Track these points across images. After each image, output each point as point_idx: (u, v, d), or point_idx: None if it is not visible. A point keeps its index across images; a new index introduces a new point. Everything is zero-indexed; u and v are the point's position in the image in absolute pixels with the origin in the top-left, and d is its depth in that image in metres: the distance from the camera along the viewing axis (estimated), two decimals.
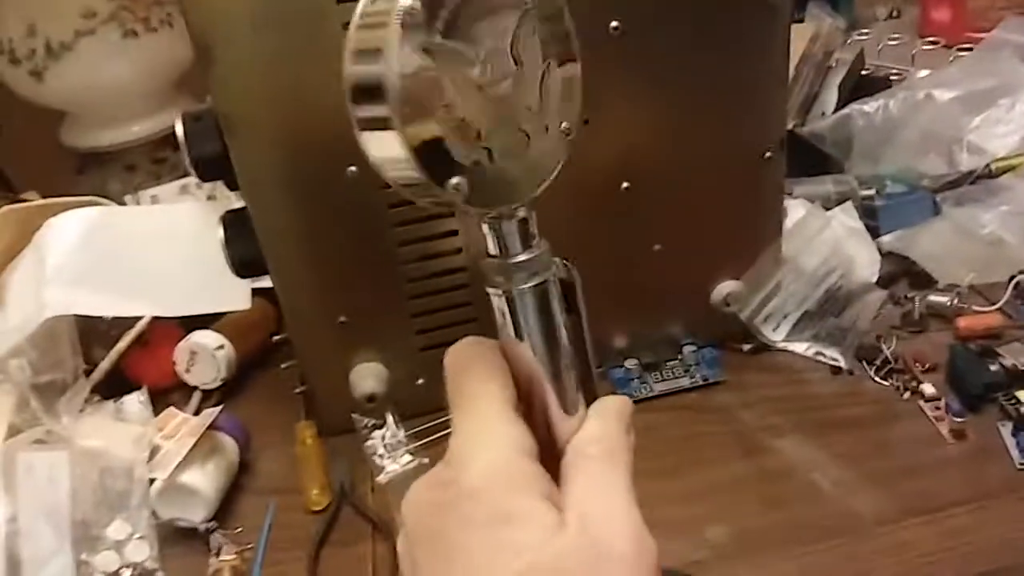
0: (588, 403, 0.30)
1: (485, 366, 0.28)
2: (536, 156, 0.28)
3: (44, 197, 0.88)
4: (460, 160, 0.26)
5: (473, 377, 0.28)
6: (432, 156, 0.25)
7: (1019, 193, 0.70)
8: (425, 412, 0.61)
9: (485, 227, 0.28)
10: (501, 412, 0.27)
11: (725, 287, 0.62)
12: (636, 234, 0.60)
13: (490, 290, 0.29)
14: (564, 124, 0.29)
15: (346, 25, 0.48)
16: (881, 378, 0.59)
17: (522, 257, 0.28)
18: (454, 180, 0.26)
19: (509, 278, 0.28)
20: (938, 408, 0.55)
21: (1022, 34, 0.79)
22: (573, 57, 0.28)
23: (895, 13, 1.26)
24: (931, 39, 1.04)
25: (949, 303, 0.63)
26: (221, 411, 0.60)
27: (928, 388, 0.56)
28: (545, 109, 0.28)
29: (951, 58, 0.96)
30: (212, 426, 0.59)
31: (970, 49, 0.97)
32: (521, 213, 0.28)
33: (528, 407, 0.29)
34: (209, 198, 0.82)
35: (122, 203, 0.87)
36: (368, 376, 0.58)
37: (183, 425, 0.62)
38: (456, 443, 0.27)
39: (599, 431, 0.29)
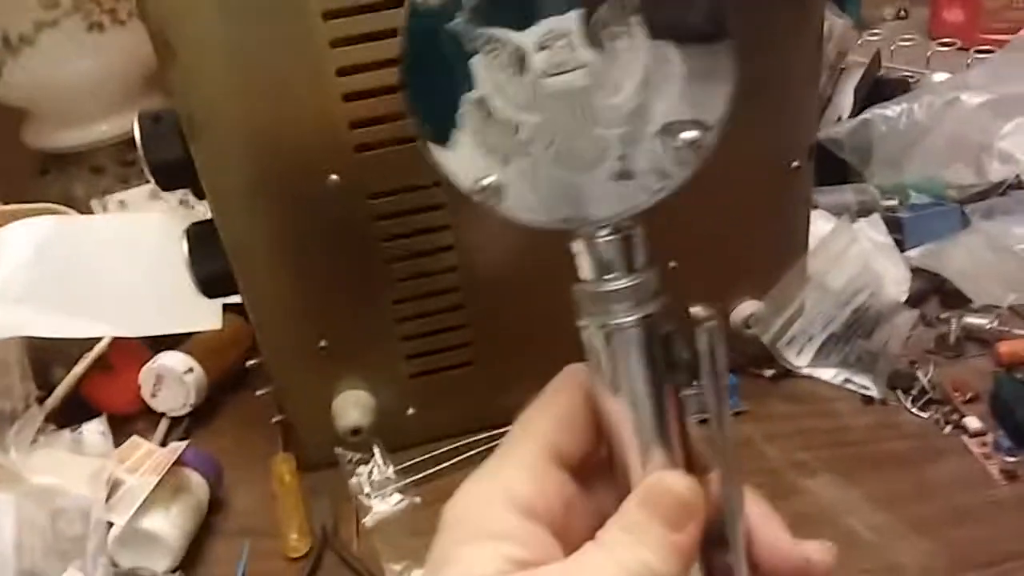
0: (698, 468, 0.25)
1: (546, 403, 0.25)
2: (623, 169, 0.23)
3: (3, 201, 0.82)
4: (496, 159, 0.22)
5: (530, 411, 0.25)
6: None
7: None
8: (416, 444, 0.56)
9: (573, 244, 0.24)
10: (522, 457, 0.24)
11: (746, 308, 0.56)
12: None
13: (580, 324, 0.24)
14: (688, 134, 0.22)
15: (328, 15, 0.43)
16: (919, 409, 0.53)
17: (616, 285, 0.23)
18: (486, 180, 0.22)
19: (601, 308, 0.23)
20: (985, 444, 0.50)
21: None
22: (716, 35, 0.22)
23: (902, 13, 1.22)
24: (946, 40, 0.99)
25: (988, 326, 0.57)
26: (188, 444, 0.54)
27: (972, 422, 0.51)
28: (646, 110, 0.22)
29: (968, 61, 0.91)
30: (178, 462, 0.53)
31: (989, 51, 0.93)
32: (603, 234, 0.23)
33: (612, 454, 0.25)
34: (181, 203, 0.76)
35: (88, 208, 0.81)
36: (352, 406, 0.52)
37: (147, 458, 0.56)
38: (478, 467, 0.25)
39: (625, 523, 0.23)
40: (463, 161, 0.22)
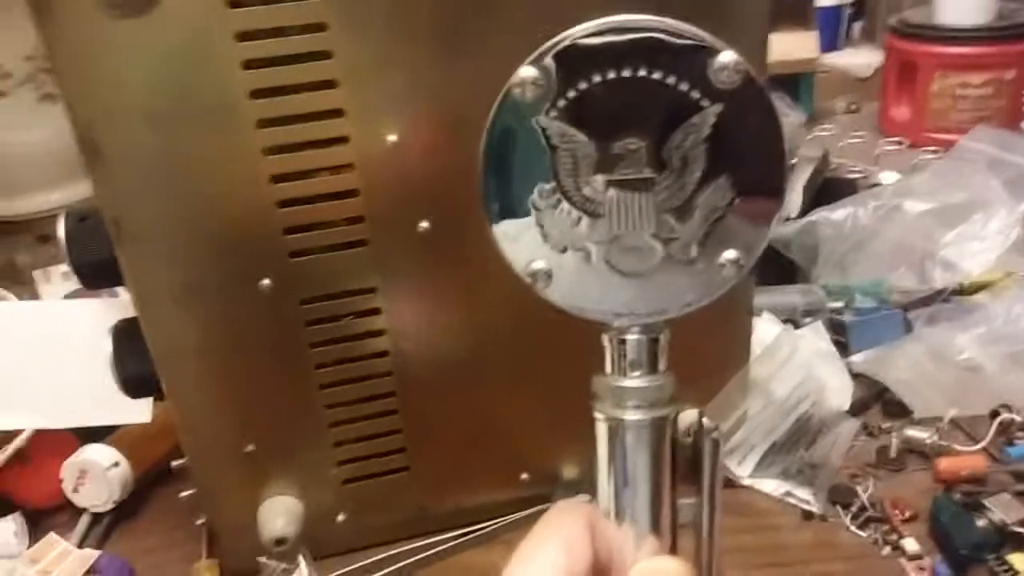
0: None
1: (556, 528, 0.25)
2: (662, 276, 0.25)
3: None
4: (554, 247, 0.24)
5: (537, 536, 0.25)
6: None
7: (994, 314, 0.66)
8: (346, 551, 0.54)
9: (604, 338, 0.26)
10: None
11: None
12: (588, 360, 0.54)
13: (596, 414, 0.26)
14: (731, 254, 0.24)
15: (261, 123, 0.43)
16: (858, 527, 0.53)
17: (637, 383, 0.25)
18: (538, 265, 0.25)
19: (619, 403, 0.26)
20: (923, 569, 0.49)
21: (992, 144, 0.76)
22: (772, 191, 0.24)
23: (854, 107, 1.25)
24: (894, 140, 1.02)
25: (928, 439, 0.57)
26: (104, 550, 0.52)
27: (910, 544, 0.50)
28: (692, 228, 0.24)
29: (914, 160, 0.94)
30: (91, 569, 0.50)
31: (934, 151, 0.95)
32: (633, 333, 0.25)
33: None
34: None
35: (30, 278, 0.80)
36: (278, 515, 0.50)
37: (62, 559, 0.53)
38: None
39: None
40: (522, 244, 0.24)
